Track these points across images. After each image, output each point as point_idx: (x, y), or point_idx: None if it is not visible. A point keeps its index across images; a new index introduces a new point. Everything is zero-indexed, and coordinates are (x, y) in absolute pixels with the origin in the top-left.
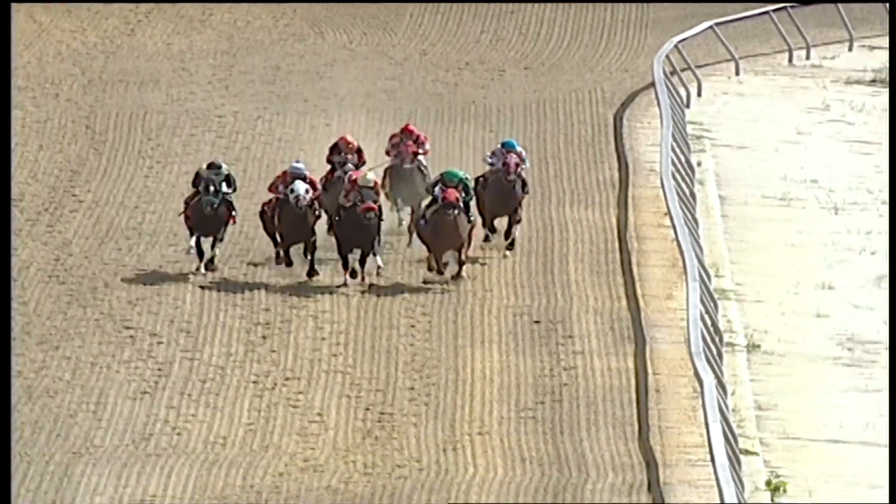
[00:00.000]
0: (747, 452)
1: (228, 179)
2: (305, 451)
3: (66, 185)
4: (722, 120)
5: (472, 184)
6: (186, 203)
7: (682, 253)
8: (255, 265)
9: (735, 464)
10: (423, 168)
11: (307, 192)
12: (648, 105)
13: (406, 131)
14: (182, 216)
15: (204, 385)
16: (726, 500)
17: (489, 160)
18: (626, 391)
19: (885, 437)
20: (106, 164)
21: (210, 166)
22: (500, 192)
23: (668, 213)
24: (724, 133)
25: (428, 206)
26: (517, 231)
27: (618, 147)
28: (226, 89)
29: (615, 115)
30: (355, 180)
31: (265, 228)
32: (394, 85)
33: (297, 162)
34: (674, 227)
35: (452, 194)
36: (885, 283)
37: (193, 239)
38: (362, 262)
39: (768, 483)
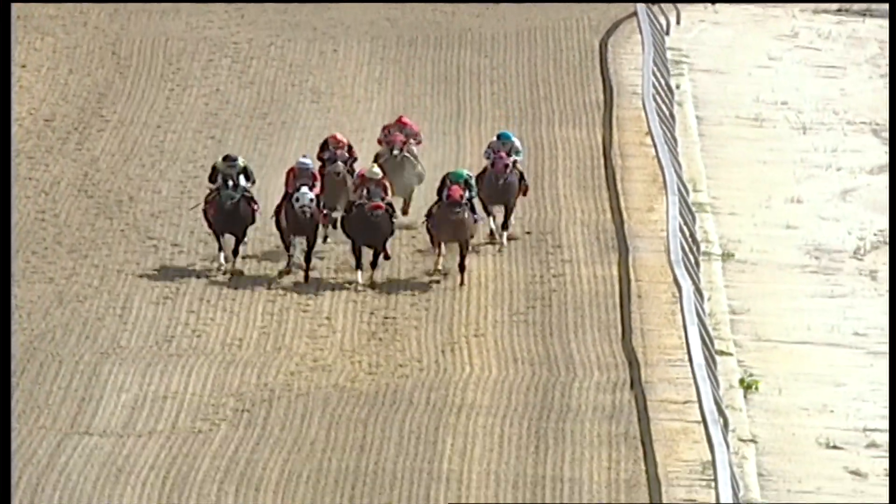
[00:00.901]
0: (722, 353)
1: (246, 172)
2: (315, 352)
3: (94, 107)
4: (699, 46)
5: (473, 181)
6: (206, 200)
7: (662, 169)
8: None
9: (711, 363)
10: (413, 156)
11: (311, 200)
12: (631, 32)
13: (399, 123)
14: (202, 212)
15: (221, 291)
16: (703, 397)
17: (485, 155)
18: (610, 296)
19: (849, 339)
20: (130, 87)
21: (226, 159)
22: (494, 191)
23: (650, 133)
24: (701, 58)
25: (434, 204)
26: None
27: (603, 71)
28: (241, 18)
29: (600, 41)
30: (363, 174)
31: (278, 226)
32: (396, 14)
33: (304, 157)
34: (654, 145)
35: (457, 192)
36: (850, 197)
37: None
38: (374, 263)
39: (742, 381)
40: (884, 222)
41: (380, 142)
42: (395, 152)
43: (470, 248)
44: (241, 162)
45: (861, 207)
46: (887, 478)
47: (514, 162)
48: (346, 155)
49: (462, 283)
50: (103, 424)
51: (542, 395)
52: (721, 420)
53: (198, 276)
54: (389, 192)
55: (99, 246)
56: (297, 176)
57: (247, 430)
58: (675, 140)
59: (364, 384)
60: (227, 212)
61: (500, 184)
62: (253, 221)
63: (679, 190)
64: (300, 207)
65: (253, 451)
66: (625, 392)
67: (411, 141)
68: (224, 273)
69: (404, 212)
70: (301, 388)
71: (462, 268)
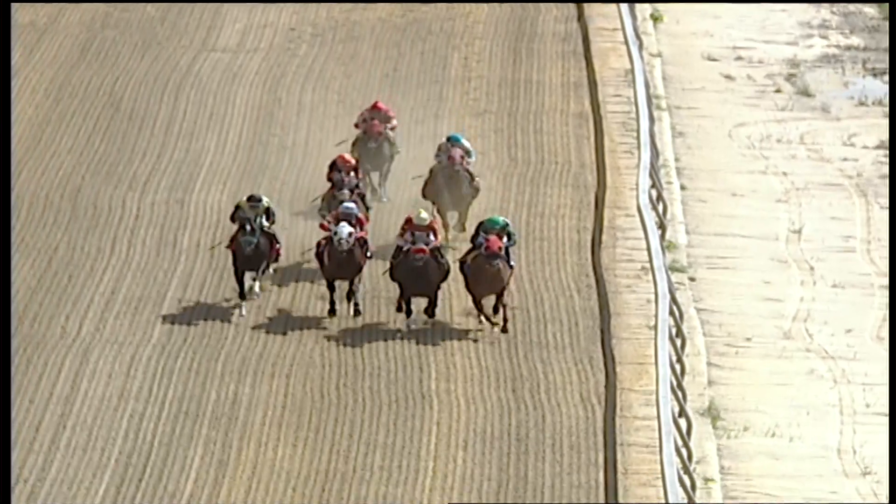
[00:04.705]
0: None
1: (268, 212)
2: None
3: None
4: None
5: (513, 229)
6: (232, 239)
7: None
8: None
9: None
10: (389, 139)
11: (350, 235)
12: None
13: (375, 109)
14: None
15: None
16: (625, 26)
17: (436, 157)
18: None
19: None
20: None
21: (250, 199)
22: (447, 184)
23: None
24: None
25: (469, 252)
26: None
27: None
28: None
29: None
30: (410, 220)
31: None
32: None
33: (349, 202)
34: None
35: (496, 244)
36: None
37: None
38: (428, 311)
39: (651, 15)
40: None
41: (356, 126)
42: (372, 145)
43: (506, 295)
44: (265, 203)
45: None
46: (752, 83)
47: (464, 158)
48: (354, 179)
49: (505, 329)
50: (223, 44)
51: (517, 23)
52: (638, 42)
53: None
54: (440, 236)
55: None
56: (340, 220)
57: (321, 48)
58: None
59: (399, 19)
60: (248, 254)
61: (454, 170)
62: (276, 259)
63: None
64: (337, 240)
65: (324, 62)
66: (573, 22)
67: (387, 126)
68: (241, 309)
69: (380, 184)
70: (353, 19)
71: (496, 310)
